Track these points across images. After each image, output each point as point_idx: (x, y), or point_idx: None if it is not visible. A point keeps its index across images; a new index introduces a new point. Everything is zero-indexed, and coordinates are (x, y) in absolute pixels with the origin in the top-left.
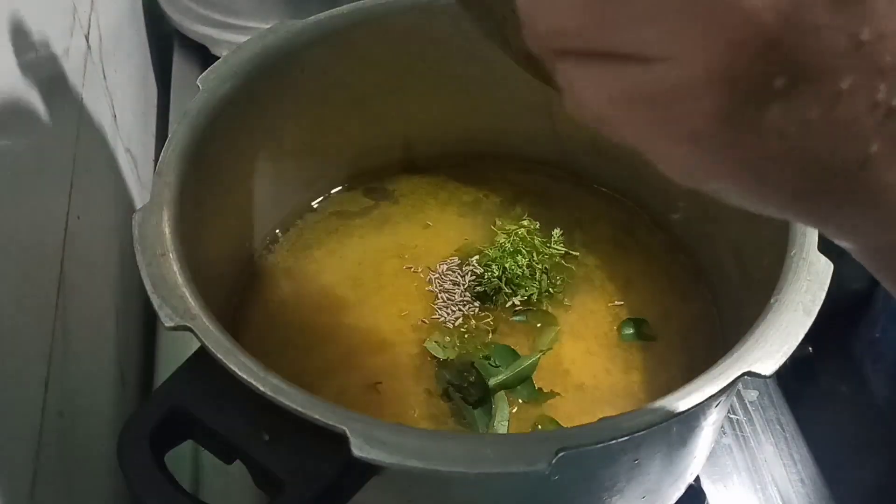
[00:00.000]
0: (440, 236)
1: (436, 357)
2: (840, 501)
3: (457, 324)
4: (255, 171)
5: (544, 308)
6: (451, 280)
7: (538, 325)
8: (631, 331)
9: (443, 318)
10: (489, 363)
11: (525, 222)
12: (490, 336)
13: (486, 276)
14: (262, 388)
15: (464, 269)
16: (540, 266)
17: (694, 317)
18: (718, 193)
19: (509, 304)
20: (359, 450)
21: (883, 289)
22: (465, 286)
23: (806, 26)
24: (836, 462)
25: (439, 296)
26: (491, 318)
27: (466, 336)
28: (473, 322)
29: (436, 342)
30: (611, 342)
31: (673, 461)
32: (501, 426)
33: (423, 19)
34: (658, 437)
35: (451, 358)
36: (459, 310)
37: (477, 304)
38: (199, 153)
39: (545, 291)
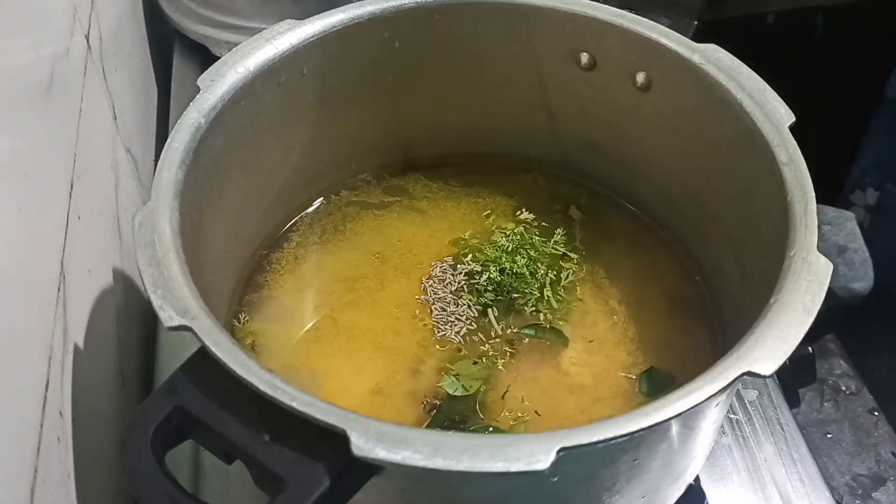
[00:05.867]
0: (438, 236)
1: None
2: (839, 501)
3: (461, 334)
4: (255, 172)
5: (548, 313)
6: (449, 282)
7: (547, 342)
8: (646, 389)
9: (445, 333)
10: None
11: (523, 218)
12: (504, 361)
13: (484, 277)
14: (262, 388)
15: (461, 269)
16: (539, 266)
17: (693, 317)
18: None
19: (512, 309)
20: (359, 450)
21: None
22: (464, 288)
23: None
24: (836, 462)
25: (438, 301)
26: (499, 332)
27: (476, 365)
28: (481, 335)
29: (454, 377)
30: (610, 342)
31: (673, 461)
32: None
33: (424, 19)
34: (658, 437)
35: (464, 394)
36: (459, 320)
37: (478, 308)
38: (199, 153)
39: (545, 295)
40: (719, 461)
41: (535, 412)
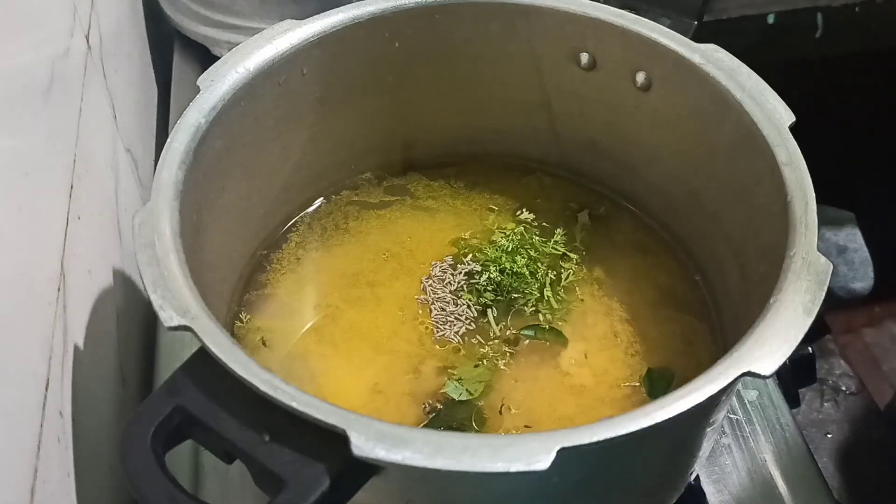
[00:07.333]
0: (439, 236)
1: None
2: (839, 502)
3: (461, 334)
4: (255, 172)
5: (548, 314)
6: (448, 282)
7: (547, 343)
8: (646, 388)
9: (444, 333)
10: None
11: (523, 218)
12: (504, 361)
13: (484, 276)
14: (262, 388)
15: (461, 268)
16: (539, 266)
17: (693, 317)
18: None
19: (512, 309)
20: (359, 450)
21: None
22: (464, 288)
23: None
24: (837, 462)
25: (437, 301)
26: (497, 333)
27: (478, 368)
28: (479, 337)
29: (457, 382)
30: (610, 343)
31: (673, 461)
32: None
33: (424, 19)
34: (658, 437)
35: (468, 398)
36: (458, 319)
37: (478, 308)
38: (199, 153)
39: (544, 295)
40: (719, 461)
41: (525, 426)
